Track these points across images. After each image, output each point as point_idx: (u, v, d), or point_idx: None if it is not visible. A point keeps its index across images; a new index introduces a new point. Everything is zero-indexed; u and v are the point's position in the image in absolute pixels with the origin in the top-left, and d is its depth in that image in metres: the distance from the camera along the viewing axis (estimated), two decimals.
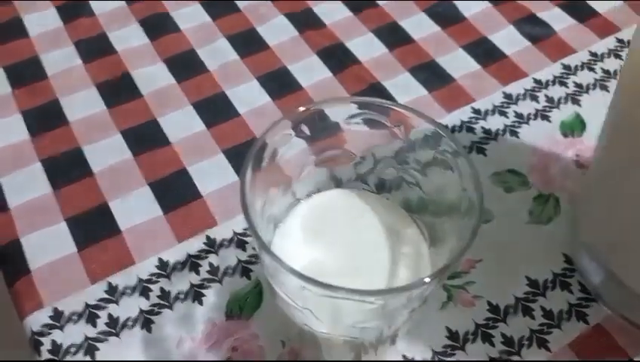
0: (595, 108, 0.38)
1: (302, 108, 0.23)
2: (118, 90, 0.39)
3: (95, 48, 0.41)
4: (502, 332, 0.29)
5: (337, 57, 0.41)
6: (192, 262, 0.31)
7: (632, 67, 0.25)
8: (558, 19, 0.43)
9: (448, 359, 0.28)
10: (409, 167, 0.25)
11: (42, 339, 0.28)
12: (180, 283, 0.30)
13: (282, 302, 0.23)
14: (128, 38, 0.42)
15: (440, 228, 0.24)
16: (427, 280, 0.19)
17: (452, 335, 0.29)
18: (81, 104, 0.38)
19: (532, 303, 0.30)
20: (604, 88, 0.39)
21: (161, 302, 0.30)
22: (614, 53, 0.41)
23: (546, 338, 0.29)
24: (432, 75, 0.40)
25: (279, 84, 0.39)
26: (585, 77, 0.40)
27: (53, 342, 0.28)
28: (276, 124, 0.22)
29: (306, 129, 0.24)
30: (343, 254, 0.24)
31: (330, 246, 0.24)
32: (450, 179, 0.23)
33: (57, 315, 0.29)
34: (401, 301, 0.21)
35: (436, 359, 0.28)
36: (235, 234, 0.32)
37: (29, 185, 0.34)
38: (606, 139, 0.28)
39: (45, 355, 0.28)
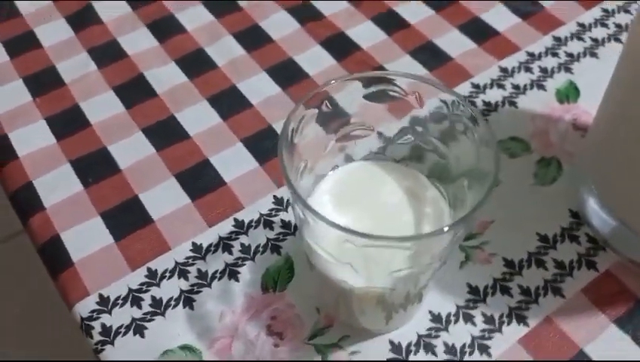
0: (587, 74, 0.40)
1: (321, 87, 0.25)
2: (134, 91, 0.41)
3: (107, 54, 0.43)
4: (518, 284, 0.31)
5: (340, 45, 0.43)
6: (224, 244, 0.33)
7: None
8: None
9: (471, 311, 0.30)
10: (427, 135, 0.27)
11: (92, 324, 0.30)
12: (215, 263, 0.32)
13: (320, 263, 0.25)
14: (138, 42, 0.44)
15: (460, 190, 0.26)
16: (446, 228, 0.21)
17: (472, 290, 0.31)
18: (101, 107, 0.40)
19: (544, 256, 0.32)
20: (594, 55, 0.41)
21: (200, 281, 0.32)
22: (600, 23, 0.43)
23: (559, 287, 0.31)
24: (431, 56, 0.42)
25: (287, 74, 0.41)
26: (575, 46, 0.42)
27: (103, 325, 0.30)
28: (300, 103, 0.24)
29: (326, 107, 0.26)
30: (371, 219, 0.26)
31: (358, 212, 0.26)
32: (467, 143, 0.25)
33: (103, 301, 0.31)
34: (428, 251, 0.23)
35: (460, 312, 0.30)
36: (262, 215, 0.34)
37: (61, 185, 0.36)
38: (618, 97, 0.30)
39: (97, 337, 0.30)
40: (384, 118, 0.28)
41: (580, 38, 0.42)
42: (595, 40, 0.42)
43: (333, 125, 0.27)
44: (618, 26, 0.43)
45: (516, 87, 0.40)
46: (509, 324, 0.30)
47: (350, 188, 0.28)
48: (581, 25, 0.43)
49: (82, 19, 0.45)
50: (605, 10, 0.44)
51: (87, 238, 0.33)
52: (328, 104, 0.26)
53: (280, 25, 0.44)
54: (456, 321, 0.30)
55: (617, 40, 0.42)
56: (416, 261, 0.23)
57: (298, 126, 0.25)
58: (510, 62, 0.41)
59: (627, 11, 0.44)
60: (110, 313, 0.31)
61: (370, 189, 0.28)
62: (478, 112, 0.24)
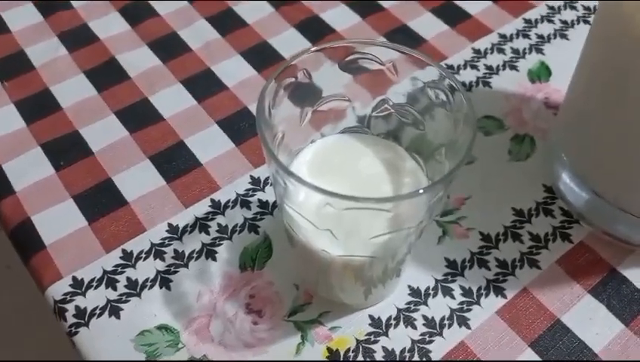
0: (558, 55, 0.41)
1: (300, 53, 0.25)
2: (106, 74, 0.40)
3: (78, 38, 0.42)
4: (495, 257, 0.32)
5: (314, 29, 0.43)
6: (200, 224, 0.33)
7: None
8: None
9: (450, 285, 0.31)
10: (404, 107, 0.27)
11: (66, 306, 0.30)
12: (192, 243, 0.32)
13: (301, 234, 0.25)
14: (109, 27, 0.43)
15: (438, 162, 0.26)
16: (423, 191, 0.21)
17: (450, 264, 0.31)
18: (72, 90, 0.39)
19: (520, 229, 0.33)
20: (564, 37, 0.42)
21: (176, 261, 0.31)
22: (569, 6, 0.44)
23: (535, 259, 0.31)
24: (405, 38, 0.42)
25: (262, 57, 0.41)
26: (545, 28, 0.43)
27: (77, 307, 0.30)
28: (272, 76, 0.24)
29: (302, 77, 0.26)
30: (350, 189, 0.26)
31: (337, 183, 0.26)
32: (444, 113, 0.25)
33: (77, 283, 0.30)
34: (406, 216, 0.23)
35: (439, 286, 0.30)
36: (239, 195, 0.34)
37: (32, 169, 0.35)
38: (587, 75, 0.30)
39: (71, 320, 0.29)
40: (361, 89, 0.28)
41: (549, 20, 0.43)
42: (564, 22, 0.43)
43: (309, 98, 0.27)
44: (587, 8, 0.44)
45: (489, 67, 0.40)
46: (486, 296, 0.30)
47: (328, 159, 0.27)
48: (551, 7, 0.44)
49: (52, 5, 0.44)
50: None
51: (59, 221, 0.33)
52: (305, 74, 0.26)
53: (254, 9, 0.44)
54: (435, 295, 0.30)
55: (586, 22, 0.43)
56: (394, 226, 0.23)
57: (274, 100, 0.25)
58: (483, 43, 0.42)
59: None
60: (84, 295, 0.30)
61: (348, 161, 0.28)
62: (455, 80, 0.24)
